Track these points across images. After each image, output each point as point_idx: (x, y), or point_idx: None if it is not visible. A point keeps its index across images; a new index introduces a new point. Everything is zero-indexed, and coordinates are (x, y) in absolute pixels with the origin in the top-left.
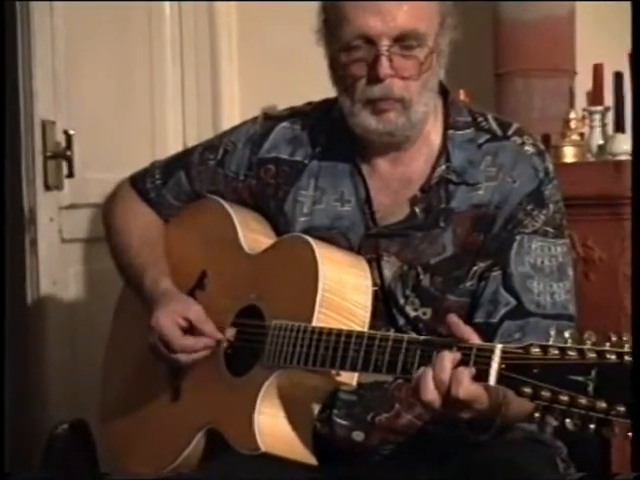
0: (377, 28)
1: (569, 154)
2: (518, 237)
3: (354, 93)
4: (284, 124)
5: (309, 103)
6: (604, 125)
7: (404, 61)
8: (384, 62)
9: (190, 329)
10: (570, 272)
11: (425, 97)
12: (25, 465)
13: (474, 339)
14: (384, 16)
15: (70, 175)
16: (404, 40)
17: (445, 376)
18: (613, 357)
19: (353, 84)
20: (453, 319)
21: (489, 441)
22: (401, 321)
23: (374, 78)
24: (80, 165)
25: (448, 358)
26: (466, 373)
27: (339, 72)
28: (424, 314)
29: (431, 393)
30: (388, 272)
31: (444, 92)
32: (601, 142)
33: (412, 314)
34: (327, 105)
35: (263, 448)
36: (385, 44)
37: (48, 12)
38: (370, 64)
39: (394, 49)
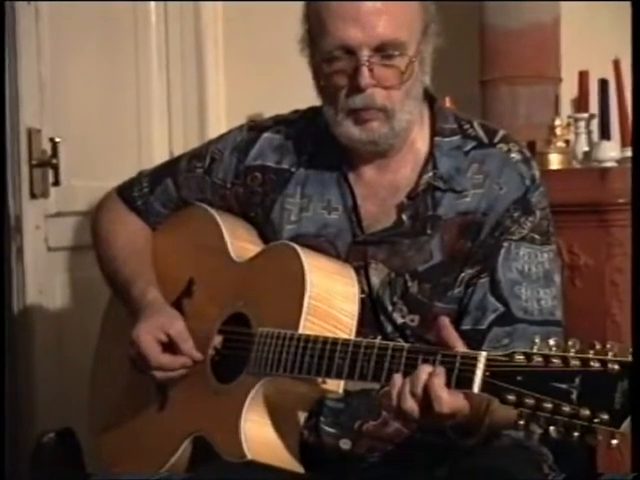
0: (357, 38)
1: (554, 161)
2: (505, 244)
3: (337, 103)
4: (270, 132)
5: (295, 111)
6: (589, 132)
7: (385, 70)
8: (365, 72)
9: (170, 345)
10: (557, 278)
11: (409, 105)
12: (12, 474)
13: (459, 346)
14: (364, 26)
15: (56, 183)
16: (384, 49)
17: (418, 389)
18: (597, 365)
19: (335, 94)
20: (445, 322)
21: (476, 447)
22: (389, 328)
23: (355, 88)
24: (66, 173)
25: (425, 371)
26: (444, 389)
27: (322, 82)
28: (412, 321)
29: (409, 402)
30: (376, 279)
31: (430, 99)
32: (586, 149)
33: (400, 321)
34: (313, 113)
35: (249, 456)
36: (365, 54)
37: (34, 19)
38: (351, 74)
39: (375, 59)
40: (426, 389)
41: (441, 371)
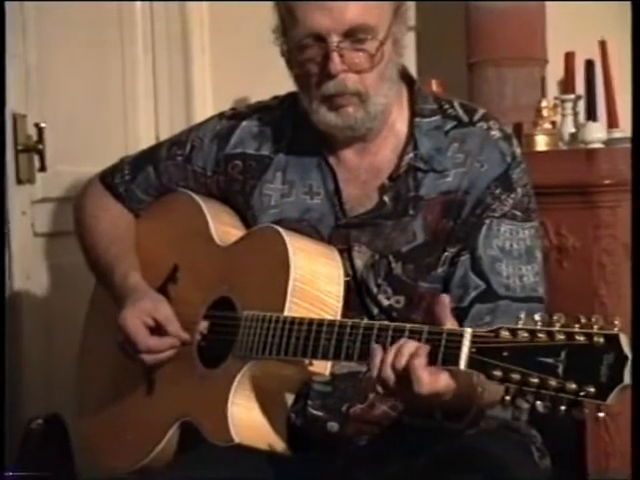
0: (325, 25)
1: (541, 142)
2: (487, 221)
3: (311, 91)
4: (250, 119)
5: (275, 97)
6: (576, 113)
7: (355, 55)
8: (335, 58)
9: (157, 329)
10: (538, 255)
11: (383, 88)
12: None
13: (448, 325)
14: (331, 12)
15: (42, 169)
16: (353, 34)
17: (401, 361)
18: (582, 338)
19: (309, 82)
20: (443, 300)
21: (464, 430)
22: (375, 311)
23: (327, 75)
24: (52, 158)
25: (408, 347)
26: (425, 370)
27: (295, 71)
28: (397, 302)
29: (388, 372)
30: (360, 262)
31: (409, 80)
32: (573, 130)
33: (385, 303)
34: (293, 98)
35: (237, 440)
36: (334, 40)
37: (18, 4)
38: (322, 61)
39: (344, 44)
40: (408, 369)
41: (423, 352)
